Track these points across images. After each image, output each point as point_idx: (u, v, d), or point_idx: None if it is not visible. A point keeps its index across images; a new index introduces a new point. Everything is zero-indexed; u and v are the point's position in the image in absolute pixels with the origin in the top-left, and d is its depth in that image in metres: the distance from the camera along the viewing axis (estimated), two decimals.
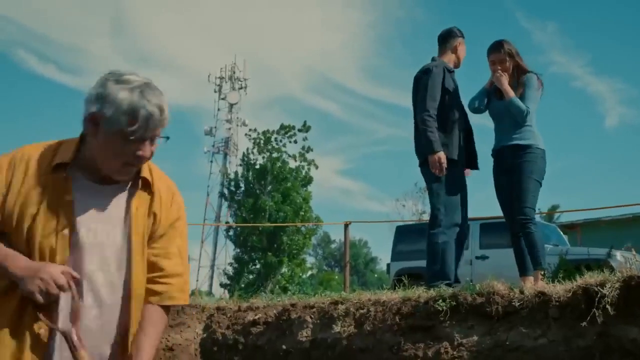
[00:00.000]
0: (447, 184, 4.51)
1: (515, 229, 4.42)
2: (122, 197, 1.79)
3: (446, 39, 4.84)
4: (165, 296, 1.84)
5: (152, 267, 1.83)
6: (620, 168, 67.76)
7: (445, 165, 4.39)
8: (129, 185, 1.80)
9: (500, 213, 4.63)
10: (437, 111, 4.52)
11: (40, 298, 1.62)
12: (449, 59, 4.80)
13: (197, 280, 28.22)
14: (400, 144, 77.04)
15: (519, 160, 4.39)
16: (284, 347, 4.28)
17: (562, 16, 66.45)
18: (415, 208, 30.43)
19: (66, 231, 1.68)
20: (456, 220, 4.54)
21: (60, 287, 1.63)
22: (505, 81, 4.50)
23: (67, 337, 1.65)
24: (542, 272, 4.19)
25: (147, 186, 1.82)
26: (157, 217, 1.83)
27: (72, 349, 1.65)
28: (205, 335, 4.71)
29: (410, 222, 15.24)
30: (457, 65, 4.88)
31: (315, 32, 71.31)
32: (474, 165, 4.86)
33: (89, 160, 1.73)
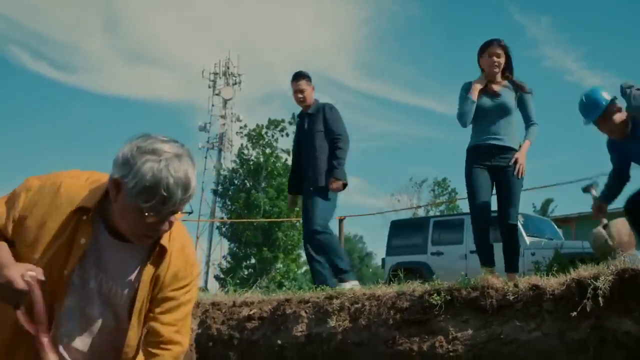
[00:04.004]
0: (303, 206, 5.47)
1: (482, 223, 4.50)
2: (135, 257, 1.77)
3: None
4: None
5: (151, 331, 1.81)
6: None
7: (291, 203, 6.38)
8: (145, 248, 1.77)
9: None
10: (298, 156, 5.50)
11: None
12: None
13: None
14: (395, 139, 77.01)
15: (507, 164, 4.43)
16: (279, 342, 4.28)
17: (556, 10, 66.49)
18: (410, 203, 30.51)
19: (66, 272, 1.68)
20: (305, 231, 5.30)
21: (18, 292, 1.60)
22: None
23: (35, 338, 1.63)
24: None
25: (164, 252, 1.78)
26: (159, 281, 1.79)
27: (41, 351, 1.62)
28: (200, 330, 4.71)
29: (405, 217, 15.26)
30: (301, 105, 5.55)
31: (309, 27, 71.17)
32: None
33: (111, 214, 1.70)
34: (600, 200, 4.50)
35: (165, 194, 1.57)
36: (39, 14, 59.90)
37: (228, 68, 33.53)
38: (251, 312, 4.55)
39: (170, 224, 1.68)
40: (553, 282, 3.42)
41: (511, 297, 3.47)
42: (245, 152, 26.91)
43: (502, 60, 4.52)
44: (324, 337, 4.08)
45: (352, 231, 55.70)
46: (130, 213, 1.62)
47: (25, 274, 1.60)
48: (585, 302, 3.15)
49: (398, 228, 12.16)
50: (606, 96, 4.12)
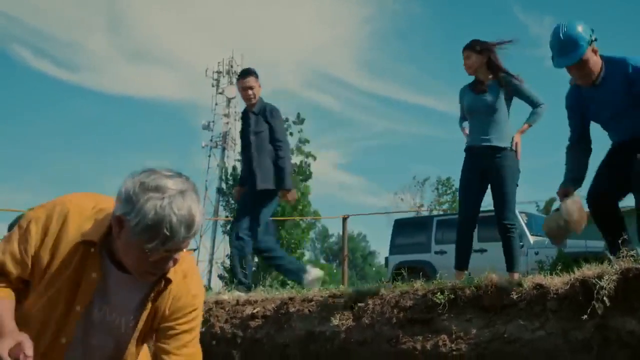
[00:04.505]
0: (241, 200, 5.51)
1: (466, 227, 4.49)
2: (140, 290, 1.76)
3: None
4: None
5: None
6: None
7: (237, 196, 5.66)
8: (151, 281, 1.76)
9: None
10: (246, 153, 5.39)
11: None
12: None
13: None
14: (397, 137, 77.14)
15: (499, 164, 4.42)
16: (282, 340, 4.28)
17: (559, 10, 66.36)
18: (413, 202, 30.44)
19: (78, 307, 1.69)
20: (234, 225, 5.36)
21: None
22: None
23: None
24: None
25: (168, 285, 1.77)
26: (159, 312, 1.79)
27: None
28: (203, 329, 4.71)
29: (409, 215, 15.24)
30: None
31: (311, 26, 71.22)
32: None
33: (116, 248, 1.68)
34: (564, 185, 3.92)
35: (168, 233, 1.54)
36: (41, 13, 60.08)
37: (232, 67, 33.53)
38: (254, 311, 4.55)
39: (175, 261, 1.66)
40: (557, 282, 3.41)
41: (515, 296, 3.47)
42: None
43: (471, 61, 4.51)
44: (327, 335, 4.07)
45: (355, 230, 55.81)
46: (134, 251, 1.60)
47: (13, 347, 1.53)
48: (589, 302, 3.15)
49: (401, 227, 12.14)
50: (585, 34, 3.50)
